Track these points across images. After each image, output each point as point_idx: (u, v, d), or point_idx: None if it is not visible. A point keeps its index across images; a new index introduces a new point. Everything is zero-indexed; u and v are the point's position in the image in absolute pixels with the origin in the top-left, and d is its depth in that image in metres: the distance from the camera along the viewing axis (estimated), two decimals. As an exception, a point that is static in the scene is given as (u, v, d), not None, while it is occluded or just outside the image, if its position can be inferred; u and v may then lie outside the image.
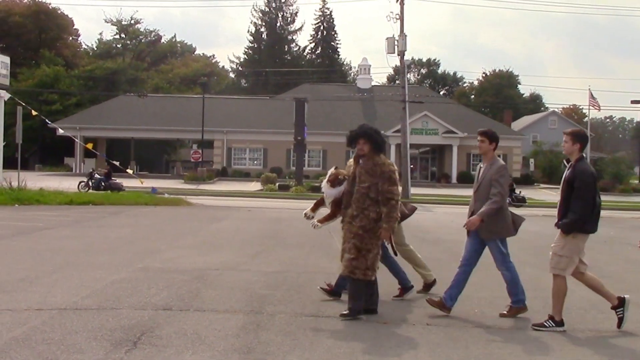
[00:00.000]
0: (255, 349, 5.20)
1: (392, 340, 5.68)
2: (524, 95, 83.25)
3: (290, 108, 38.68)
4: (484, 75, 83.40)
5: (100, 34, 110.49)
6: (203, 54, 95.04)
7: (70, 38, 77.60)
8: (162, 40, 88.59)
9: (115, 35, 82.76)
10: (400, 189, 6.47)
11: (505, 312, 6.62)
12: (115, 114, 51.57)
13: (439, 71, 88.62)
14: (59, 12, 72.52)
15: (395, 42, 35.48)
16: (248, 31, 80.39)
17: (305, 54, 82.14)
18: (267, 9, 79.39)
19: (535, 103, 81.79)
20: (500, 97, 74.79)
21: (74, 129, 46.13)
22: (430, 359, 5.20)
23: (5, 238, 11.66)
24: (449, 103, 60.88)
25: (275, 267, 9.09)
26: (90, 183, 29.03)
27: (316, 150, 50.00)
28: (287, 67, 74.28)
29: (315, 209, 6.97)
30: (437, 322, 6.33)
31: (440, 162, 53.58)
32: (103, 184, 28.54)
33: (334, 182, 6.58)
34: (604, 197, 6.84)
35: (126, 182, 29.47)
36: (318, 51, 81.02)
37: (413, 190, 34.05)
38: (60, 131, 28.92)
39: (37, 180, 25.64)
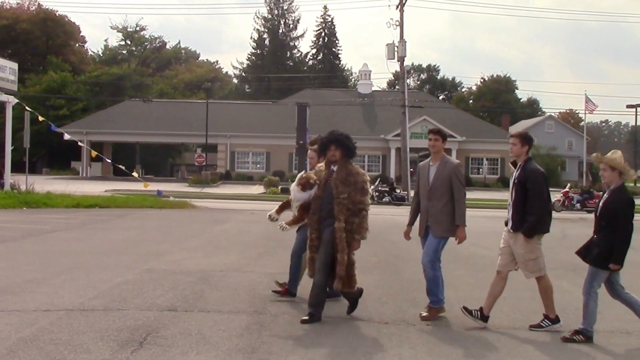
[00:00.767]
0: (258, 349, 5.29)
1: (392, 340, 5.75)
2: (521, 100, 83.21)
3: (292, 113, 38.72)
4: (482, 80, 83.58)
5: (106, 40, 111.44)
6: (207, 60, 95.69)
7: (77, 45, 77.90)
8: (167, 47, 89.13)
9: (121, 41, 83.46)
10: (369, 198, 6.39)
11: (425, 314, 6.52)
12: (121, 118, 51.78)
13: (438, 76, 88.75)
14: (66, 19, 72.93)
15: (395, 48, 35.62)
16: (251, 38, 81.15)
17: (307, 59, 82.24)
18: (269, 16, 79.75)
19: (532, 108, 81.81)
20: (498, 101, 74.95)
21: (81, 133, 46.25)
22: (429, 358, 5.27)
23: (14, 240, 11.79)
24: (448, 108, 61.14)
25: (278, 268, 9.19)
26: None
27: (317, 154, 50.03)
28: (289, 72, 74.49)
29: (280, 211, 6.90)
30: (437, 322, 6.41)
31: (439, 165, 53.62)
32: None
33: (305, 185, 6.48)
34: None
35: (132, 186, 29.53)
36: (319, 57, 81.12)
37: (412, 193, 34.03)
38: (67, 136, 29.03)
39: (44, 184, 25.79)
